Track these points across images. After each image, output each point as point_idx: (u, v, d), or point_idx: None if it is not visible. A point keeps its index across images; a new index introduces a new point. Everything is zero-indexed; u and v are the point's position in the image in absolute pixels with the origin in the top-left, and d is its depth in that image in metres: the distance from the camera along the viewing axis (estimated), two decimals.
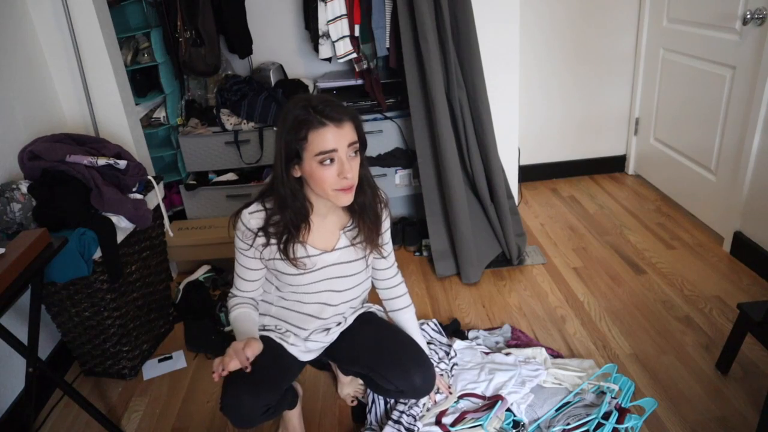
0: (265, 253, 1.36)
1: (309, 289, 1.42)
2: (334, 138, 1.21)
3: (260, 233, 1.33)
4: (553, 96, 3.15)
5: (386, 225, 1.49)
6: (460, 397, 1.71)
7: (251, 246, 1.35)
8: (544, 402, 1.70)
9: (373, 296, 1.64)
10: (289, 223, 1.31)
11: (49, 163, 1.75)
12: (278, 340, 1.48)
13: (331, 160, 1.23)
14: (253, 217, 1.34)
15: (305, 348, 1.51)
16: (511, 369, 1.76)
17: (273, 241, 1.33)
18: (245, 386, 1.33)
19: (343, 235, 1.41)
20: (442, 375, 1.77)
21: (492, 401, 1.66)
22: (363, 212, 1.38)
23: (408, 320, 1.60)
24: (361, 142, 1.30)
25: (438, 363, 1.82)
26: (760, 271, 2.28)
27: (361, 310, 1.60)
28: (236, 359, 1.19)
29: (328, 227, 1.40)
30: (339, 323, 1.54)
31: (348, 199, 1.28)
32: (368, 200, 1.37)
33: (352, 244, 1.41)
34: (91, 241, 1.69)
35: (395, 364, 1.46)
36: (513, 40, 2.46)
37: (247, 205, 1.37)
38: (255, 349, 1.22)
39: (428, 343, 1.97)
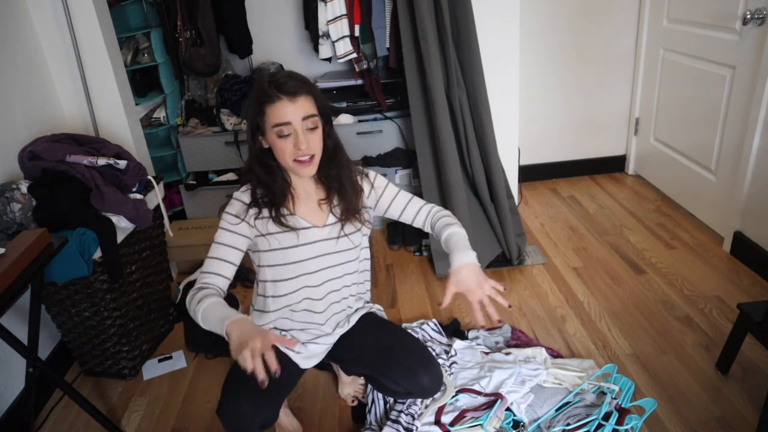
0: (260, 227, 1.37)
1: (307, 268, 1.42)
2: (288, 111, 1.26)
3: (252, 205, 1.36)
4: (553, 96, 3.15)
5: (376, 188, 1.47)
6: (459, 391, 1.71)
7: (243, 220, 1.36)
8: (544, 402, 1.70)
9: (376, 298, 1.63)
10: (273, 193, 1.36)
11: (49, 163, 1.75)
12: (282, 349, 1.47)
13: (287, 134, 1.27)
14: (245, 194, 1.38)
15: (308, 353, 1.50)
16: (511, 367, 1.76)
17: (264, 212, 1.36)
18: (247, 396, 1.32)
19: (331, 212, 1.43)
20: None
21: (491, 400, 1.66)
22: (335, 184, 1.41)
23: (453, 235, 1.43)
24: (323, 115, 1.33)
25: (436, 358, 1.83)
26: (760, 271, 2.28)
27: (363, 311, 1.59)
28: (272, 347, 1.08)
29: (314, 202, 1.43)
30: (339, 324, 1.54)
31: (308, 171, 1.33)
32: (338, 172, 1.40)
33: (340, 220, 1.43)
34: (91, 241, 1.69)
35: (402, 365, 1.45)
36: (513, 40, 2.46)
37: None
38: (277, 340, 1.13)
39: (425, 341, 1.97)
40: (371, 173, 1.49)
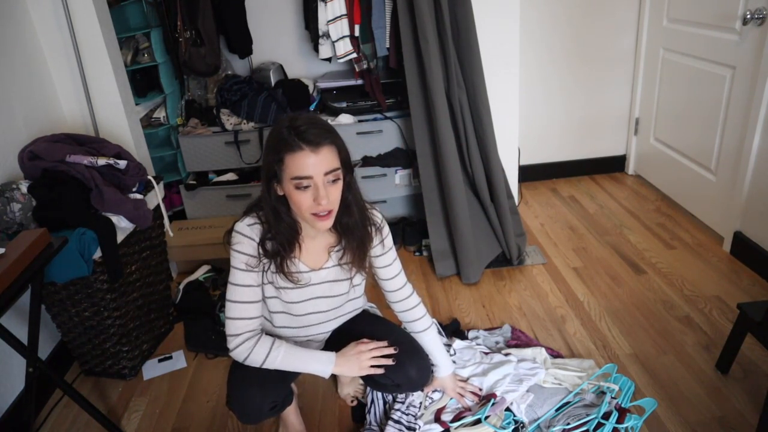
0: (267, 264, 1.35)
1: (296, 310, 1.42)
2: (310, 164, 1.18)
3: (261, 245, 1.31)
4: (553, 96, 3.15)
5: (381, 248, 1.46)
6: None
7: (258, 258, 1.31)
8: (544, 402, 1.69)
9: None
10: (282, 241, 1.31)
11: (49, 163, 1.75)
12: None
13: (306, 186, 1.20)
14: (254, 229, 1.31)
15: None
16: (509, 367, 1.76)
17: (271, 259, 1.33)
18: (254, 381, 1.34)
19: (332, 255, 1.41)
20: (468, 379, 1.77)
21: (486, 399, 1.66)
22: (349, 233, 1.37)
23: (429, 342, 1.57)
24: (346, 167, 1.27)
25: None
26: (760, 271, 2.28)
27: (356, 312, 1.61)
28: None
29: (318, 247, 1.39)
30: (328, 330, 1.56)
31: (324, 225, 1.26)
32: (354, 222, 1.35)
33: (339, 265, 1.41)
34: (91, 241, 1.69)
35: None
36: (513, 39, 2.47)
37: (239, 219, 1.34)
38: None
39: None
40: (385, 228, 1.46)
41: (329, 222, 1.27)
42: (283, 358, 1.32)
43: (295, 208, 1.26)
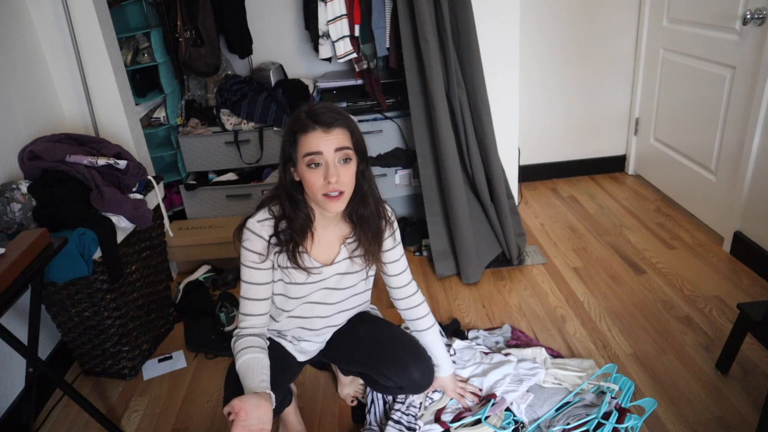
0: (280, 259, 1.34)
1: (302, 300, 1.42)
2: (320, 141, 1.21)
3: (272, 239, 1.31)
4: (553, 96, 3.15)
5: (392, 242, 1.46)
6: None
7: (266, 256, 1.31)
8: (544, 402, 1.70)
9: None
10: (294, 229, 1.31)
11: (49, 163, 1.75)
12: (276, 338, 1.49)
13: (317, 164, 1.23)
14: (264, 225, 1.31)
15: (300, 348, 1.52)
16: (509, 367, 1.76)
17: (283, 248, 1.33)
18: None
19: (343, 248, 1.40)
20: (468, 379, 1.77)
21: (486, 399, 1.66)
22: (363, 224, 1.37)
23: (431, 341, 1.57)
24: (359, 152, 1.28)
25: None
26: (760, 271, 2.28)
27: (357, 310, 1.60)
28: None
29: (329, 239, 1.39)
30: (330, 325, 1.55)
31: (336, 207, 1.27)
32: (370, 213, 1.36)
33: (351, 257, 1.41)
34: (91, 241, 1.69)
35: (393, 360, 1.47)
36: (513, 39, 2.47)
37: (251, 215, 1.35)
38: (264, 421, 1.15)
39: None
40: (395, 222, 1.46)
41: (340, 204, 1.27)
42: (240, 365, 1.30)
43: (308, 190, 1.27)
